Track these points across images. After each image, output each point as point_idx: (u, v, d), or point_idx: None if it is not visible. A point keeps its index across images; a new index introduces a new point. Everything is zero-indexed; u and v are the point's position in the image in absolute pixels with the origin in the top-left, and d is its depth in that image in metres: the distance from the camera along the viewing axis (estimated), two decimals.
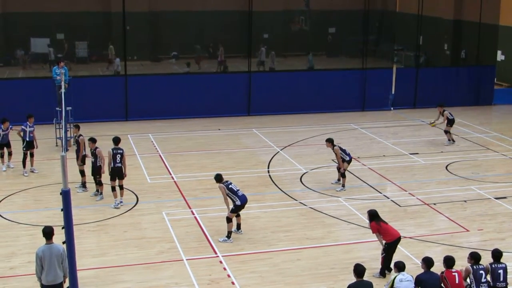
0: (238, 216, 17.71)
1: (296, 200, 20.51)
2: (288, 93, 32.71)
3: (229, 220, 17.39)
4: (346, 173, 21.60)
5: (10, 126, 23.13)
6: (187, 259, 16.37)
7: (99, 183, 20.46)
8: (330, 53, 41.95)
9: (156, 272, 15.72)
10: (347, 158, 21.33)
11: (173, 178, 22.61)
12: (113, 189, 19.78)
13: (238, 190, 17.42)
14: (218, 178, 17.55)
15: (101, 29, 40.56)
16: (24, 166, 22.76)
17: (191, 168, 23.83)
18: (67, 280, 12.88)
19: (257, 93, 32.33)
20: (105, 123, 29.76)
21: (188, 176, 22.85)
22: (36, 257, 12.88)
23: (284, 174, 23.04)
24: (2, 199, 20.49)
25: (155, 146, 26.77)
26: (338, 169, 21.66)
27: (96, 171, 20.25)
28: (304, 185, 21.99)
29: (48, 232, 12.99)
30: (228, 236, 17.40)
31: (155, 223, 18.64)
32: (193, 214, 19.35)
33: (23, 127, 22.85)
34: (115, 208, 19.65)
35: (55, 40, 39.84)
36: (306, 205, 20.11)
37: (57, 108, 25.53)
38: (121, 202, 19.90)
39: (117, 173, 19.70)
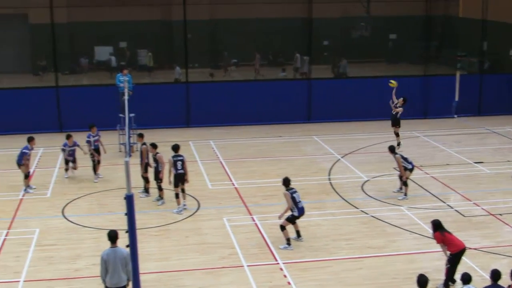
0: (294, 223, 17.65)
1: (357, 208, 20.35)
2: (349, 100, 32.46)
3: (283, 228, 17.37)
4: (409, 181, 21.30)
5: (76, 142, 23.42)
6: (247, 265, 16.40)
7: (159, 188, 20.72)
8: (391, 59, 41.60)
9: (216, 278, 15.79)
10: (409, 167, 21.02)
11: (234, 185, 22.70)
12: (177, 196, 19.99)
13: (299, 201, 17.40)
14: (286, 182, 17.53)
15: (162, 37, 41.13)
16: (94, 172, 23.37)
17: (252, 174, 23.88)
18: (130, 284, 13.05)
19: (318, 100, 32.22)
20: (167, 130, 30.09)
21: (249, 183, 22.90)
22: (101, 260, 13.09)
23: (345, 182, 22.88)
24: (68, 203, 20.90)
25: (216, 152, 26.93)
26: (400, 177, 21.39)
27: (158, 176, 20.55)
28: (366, 193, 21.80)
29: (113, 236, 13.19)
30: (288, 243, 17.37)
31: (216, 229, 18.74)
32: (254, 220, 19.38)
33: (87, 138, 23.27)
34: (177, 213, 19.84)
35: (117, 48, 40.59)
36: (367, 214, 19.93)
37: (121, 115, 25.94)
38: (184, 205, 20.10)
39: (180, 179, 19.91)
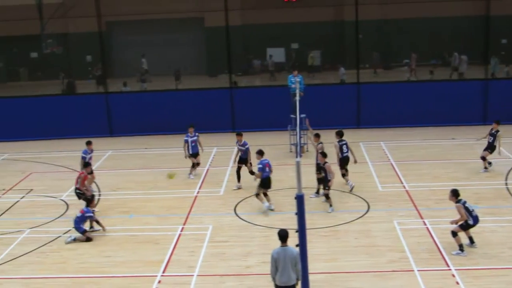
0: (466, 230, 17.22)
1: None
2: None
3: (454, 234, 16.95)
4: None
5: (196, 133, 24.11)
6: (418, 270, 16.06)
7: (327, 197, 20.70)
8: None
9: (385, 281, 15.60)
10: None
11: (404, 187, 22.33)
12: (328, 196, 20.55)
13: (472, 210, 16.93)
14: (456, 194, 17.04)
15: (333, 38, 41.22)
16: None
17: (423, 177, 23.37)
18: (299, 283, 13.20)
19: (495, 100, 30.90)
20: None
21: (421, 186, 22.43)
22: (271, 259, 13.32)
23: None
24: (240, 201, 21.48)
25: (386, 154, 26.62)
26: None
27: (327, 184, 20.49)
28: None
29: (283, 235, 13.35)
30: (461, 249, 16.84)
31: (386, 232, 18.51)
32: (425, 224, 18.95)
33: (185, 138, 23.84)
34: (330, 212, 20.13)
35: (290, 50, 41.15)
36: None
37: (292, 115, 26.28)
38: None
39: (346, 162, 22.04)
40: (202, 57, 42.21)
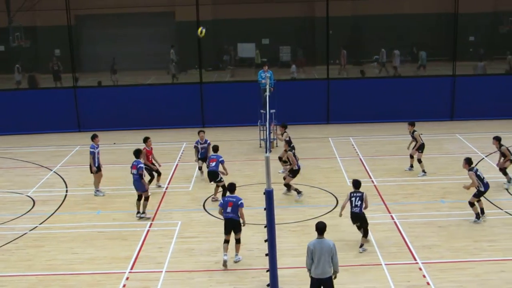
0: (479, 201, 18.66)
1: (501, 209, 19.62)
2: (493, 97, 31.33)
3: (472, 204, 18.41)
4: None
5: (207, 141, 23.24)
6: (385, 264, 16.22)
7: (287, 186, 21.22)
8: None
9: (354, 275, 15.72)
10: None
11: (373, 182, 22.49)
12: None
13: (483, 178, 18.52)
14: (469, 162, 18.72)
15: (304, 34, 41.21)
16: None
17: (391, 172, 23.57)
18: (337, 275, 13.47)
19: (462, 97, 31.29)
20: (307, 126, 30.28)
21: (388, 181, 22.62)
22: (308, 250, 13.36)
23: (490, 181, 22.04)
24: (209, 197, 21.46)
25: (355, 149, 26.79)
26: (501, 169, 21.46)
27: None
28: (511, 194, 20.96)
29: (321, 228, 13.45)
30: (477, 217, 18.51)
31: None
32: (393, 219, 19.13)
33: (195, 144, 23.32)
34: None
35: (260, 45, 41.07)
36: None
37: (262, 111, 26.32)
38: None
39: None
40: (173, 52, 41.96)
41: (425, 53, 36.29)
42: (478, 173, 18.51)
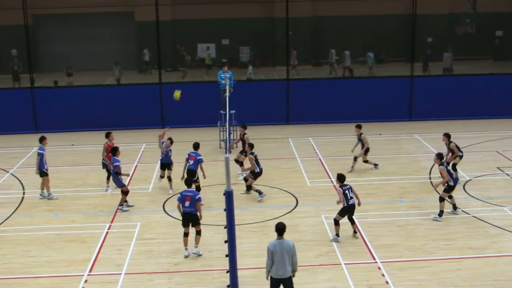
0: (451, 197, 19.29)
1: (458, 208, 19.86)
2: (451, 98, 31.77)
3: (441, 199, 18.86)
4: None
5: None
6: (345, 264, 16.30)
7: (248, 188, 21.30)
8: (497, 57, 40.26)
9: (313, 275, 15.77)
10: (461, 154, 21.81)
11: (332, 182, 22.58)
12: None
13: (453, 173, 19.18)
14: (440, 156, 19.07)
15: (264, 34, 41.32)
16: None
17: (352, 172, 23.68)
18: (296, 274, 13.53)
19: (420, 97, 31.66)
20: (267, 127, 30.35)
21: (348, 181, 22.57)
22: (268, 251, 13.31)
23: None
24: (169, 198, 21.36)
25: (315, 149, 26.91)
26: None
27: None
28: (467, 193, 21.26)
29: (280, 228, 13.42)
30: (440, 215, 18.78)
31: (314, 226, 18.72)
32: None
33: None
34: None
35: (220, 46, 41.04)
36: (469, 214, 19.44)
37: (222, 111, 26.29)
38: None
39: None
40: (132, 52, 41.71)
41: (372, 54, 36.82)
42: (448, 168, 19.08)
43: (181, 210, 16.72)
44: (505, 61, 39.15)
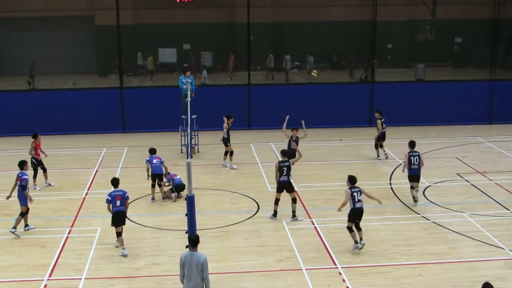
0: (412, 188, 20.75)
1: (418, 214, 20.10)
2: (411, 105, 32.18)
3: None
4: (472, 188, 21.00)
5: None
6: (306, 269, 16.36)
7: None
8: (456, 64, 40.85)
9: (274, 280, 15.80)
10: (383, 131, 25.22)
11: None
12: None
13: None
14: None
15: (226, 40, 41.31)
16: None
17: (312, 177, 23.84)
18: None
19: (381, 103, 31.90)
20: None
21: (309, 186, 22.87)
22: (180, 262, 13.01)
23: (406, 187, 22.44)
24: (130, 203, 21.14)
25: (276, 155, 26.97)
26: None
27: None
28: (427, 199, 21.51)
29: (194, 240, 12.99)
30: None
31: (275, 232, 18.76)
32: (313, 224, 19.34)
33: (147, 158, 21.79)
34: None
35: (181, 50, 40.91)
36: (428, 220, 19.67)
37: (183, 116, 26.21)
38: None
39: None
40: (92, 56, 41.35)
41: (312, 57, 37.08)
42: (410, 157, 20.67)
43: (112, 210, 17.21)
44: (464, 68, 39.80)
